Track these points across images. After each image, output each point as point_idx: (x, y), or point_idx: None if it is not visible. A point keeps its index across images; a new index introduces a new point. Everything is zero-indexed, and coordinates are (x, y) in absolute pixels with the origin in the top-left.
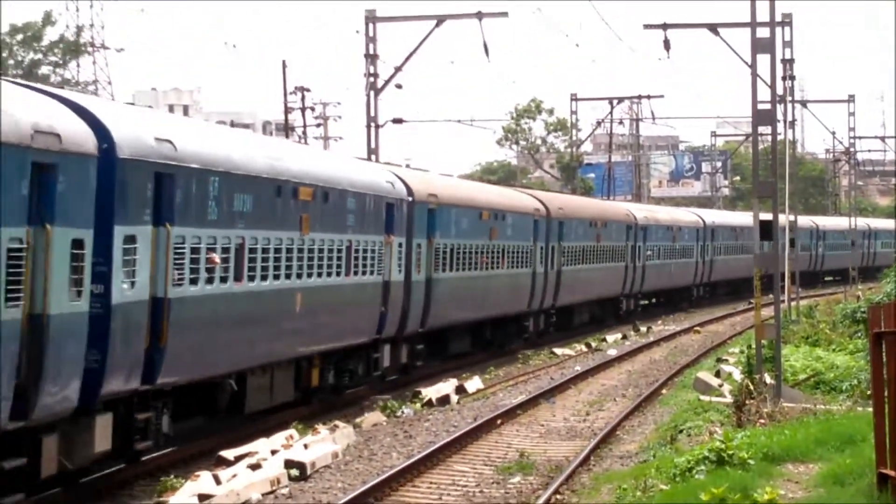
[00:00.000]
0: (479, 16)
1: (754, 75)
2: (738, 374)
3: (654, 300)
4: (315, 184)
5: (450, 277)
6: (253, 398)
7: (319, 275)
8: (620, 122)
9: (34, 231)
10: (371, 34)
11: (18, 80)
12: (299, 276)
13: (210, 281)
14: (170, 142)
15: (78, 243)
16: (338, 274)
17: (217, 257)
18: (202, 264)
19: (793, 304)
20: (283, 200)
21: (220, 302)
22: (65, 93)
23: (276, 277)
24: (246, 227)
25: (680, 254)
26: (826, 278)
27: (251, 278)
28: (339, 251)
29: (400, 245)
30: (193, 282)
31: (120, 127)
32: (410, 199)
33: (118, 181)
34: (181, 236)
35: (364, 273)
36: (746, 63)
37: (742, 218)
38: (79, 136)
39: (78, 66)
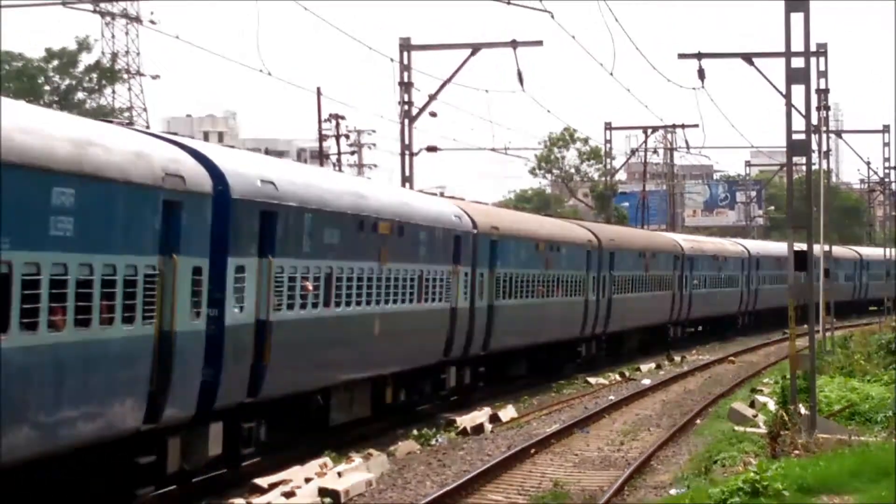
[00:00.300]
0: (514, 44)
1: (789, 105)
2: (772, 405)
3: (699, 328)
4: (392, 219)
5: (509, 304)
6: (336, 412)
7: (395, 301)
8: (655, 151)
9: (164, 259)
10: (405, 62)
11: (148, 130)
12: (378, 302)
13: (304, 306)
14: (272, 183)
15: (197, 271)
16: (411, 301)
17: (310, 285)
18: (298, 291)
19: (828, 334)
20: (365, 234)
21: (313, 325)
22: (185, 140)
23: (359, 303)
24: (334, 259)
25: (725, 283)
26: (871, 308)
27: (338, 304)
28: (413, 280)
29: (465, 274)
30: (290, 307)
31: (231, 170)
32: (475, 231)
33: (231, 218)
34: (281, 266)
35: (434, 300)
36: (781, 93)
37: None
38: (199, 178)
39: (113, 92)
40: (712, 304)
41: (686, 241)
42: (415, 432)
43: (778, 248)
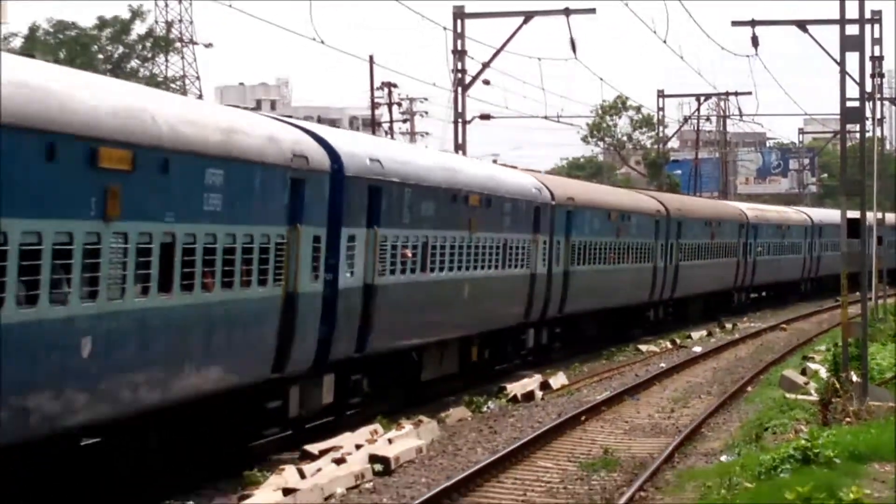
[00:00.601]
0: (567, 12)
1: (843, 73)
2: (824, 373)
3: (763, 294)
4: (481, 192)
5: (583, 270)
6: (427, 369)
7: (482, 267)
8: (707, 119)
9: (290, 229)
10: (459, 30)
11: (276, 116)
12: (467, 268)
13: (403, 272)
14: (379, 161)
15: (317, 239)
16: (496, 267)
17: (409, 252)
18: (398, 258)
19: (880, 302)
20: (457, 206)
21: (411, 289)
22: (306, 124)
23: (451, 269)
24: (430, 228)
25: (788, 250)
26: None
27: (432, 270)
28: (498, 248)
29: (544, 242)
30: (392, 272)
31: (345, 150)
32: (553, 202)
33: (345, 192)
34: (385, 236)
35: (516, 266)
36: (835, 60)
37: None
38: (319, 157)
39: (167, 61)
40: (775, 271)
41: (750, 210)
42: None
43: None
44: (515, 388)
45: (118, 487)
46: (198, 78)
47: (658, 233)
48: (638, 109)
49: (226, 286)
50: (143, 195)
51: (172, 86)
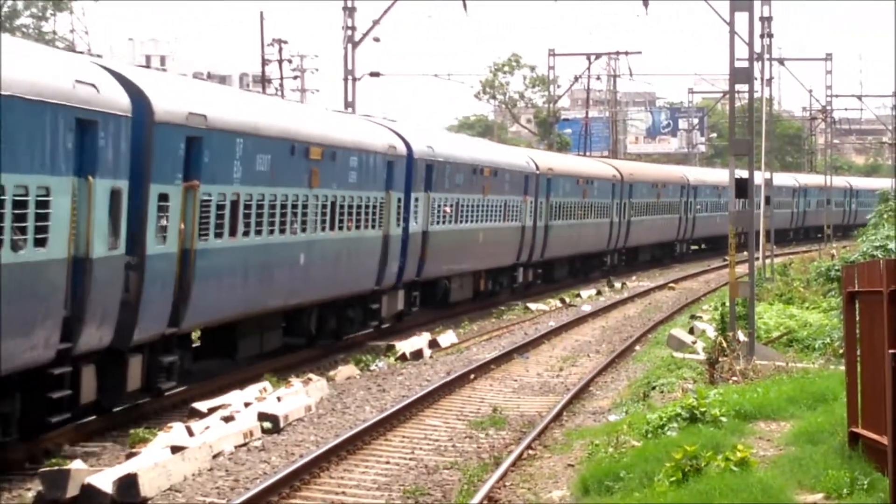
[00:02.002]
0: None
1: (732, 33)
2: (711, 332)
3: (702, 245)
4: (492, 166)
5: (559, 224)
6: (454, 293)
7: (491, 220)
8: (598, 78)
9: (384, 194)
10: None
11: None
12: (481, 220)
13: (445, 223)
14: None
15: (399, 200)
16: (499, 220)
17: (448, 209)
18: (441, 214)
19: (767, 261)
20: (476, 177)
21: (448, 235)
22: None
23: (470, 222)
24: (461, 193)
25: (723, 208)
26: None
27: (459, 222)
28: (501, 206)
29: (531, 202)
30: (439, 223)
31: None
32: (538, 171)
33: (433, 172)
34: (436, 198)
35: (512, 220)
36: (724, 20)
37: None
38: (400, 147)
39: (55, 17)
40: (712, 226)
41: (691, 174)
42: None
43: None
44: (404, 346)
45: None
46: (86, 32)
47: (614, 194)
48: (533, 69)
49: (356, 228)
50: (328, 175)
51: (63, 42)
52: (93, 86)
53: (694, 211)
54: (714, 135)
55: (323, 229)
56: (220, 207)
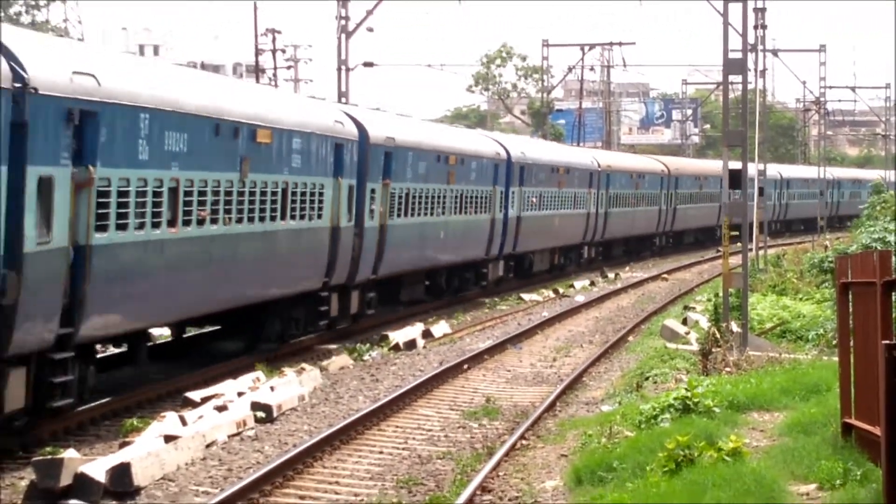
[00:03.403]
0: None
1: (726, 24)
2: (704, 322)
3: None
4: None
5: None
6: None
7: (461, 213)
8: (591, 69)
9: (491, 188)
10: None
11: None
12: (447, 213)
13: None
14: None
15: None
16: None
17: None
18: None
19: (761, 252)
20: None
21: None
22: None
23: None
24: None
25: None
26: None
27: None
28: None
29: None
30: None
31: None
32: (599, 168)
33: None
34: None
35: (578, 208)
36: (718, 11)
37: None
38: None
39: (48, 6)
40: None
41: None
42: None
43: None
44: (398, 336)
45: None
46: (80, 22)
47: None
48: (524, 59)
49: (465, 213)
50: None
51: (56, 31)
52: None
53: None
54: (707, 126)
55: (454, 213)
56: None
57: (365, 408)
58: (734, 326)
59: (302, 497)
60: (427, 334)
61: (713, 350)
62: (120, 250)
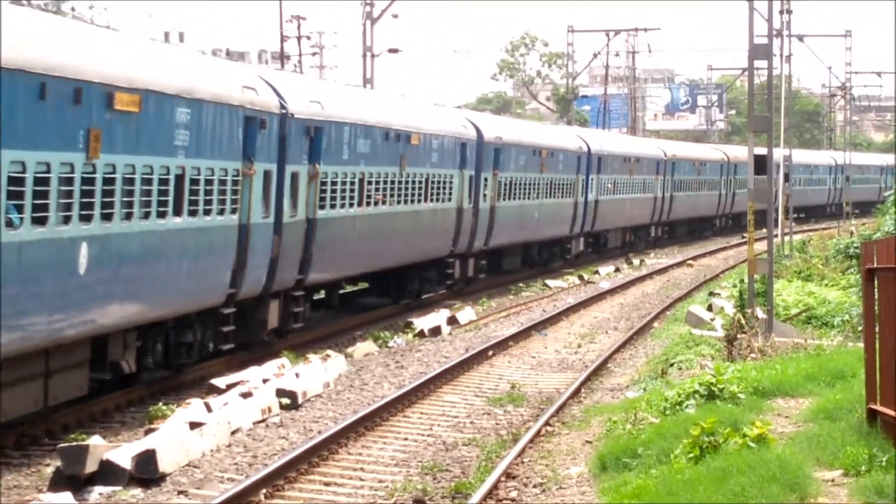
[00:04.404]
0: None
1: (751, 9)
2: (730, 309)
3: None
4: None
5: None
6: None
7: (550, 197)
8: (617, 55)
9: (575, 177)
10: None
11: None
12: (538, 197)
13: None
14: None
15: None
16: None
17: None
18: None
19: (786, 238)
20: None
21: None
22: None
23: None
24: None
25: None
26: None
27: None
28: (640, 184)
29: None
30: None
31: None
32: (665, 157)
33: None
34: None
35: (646, 192)
36: None
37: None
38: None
39: (73, 9)
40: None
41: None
42: (374, 333)
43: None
44: (423, 322)
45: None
46: (105, 9)
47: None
48: (546, 45)
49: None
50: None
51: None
52: None
53: (735, 188)
54: (733, 111)
55: (546, 197)
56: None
57: (390, 394)
58: (759, 312)
59: (327, 484)
60: (452, 321)
61: (738, 336)
62: (332, 223)
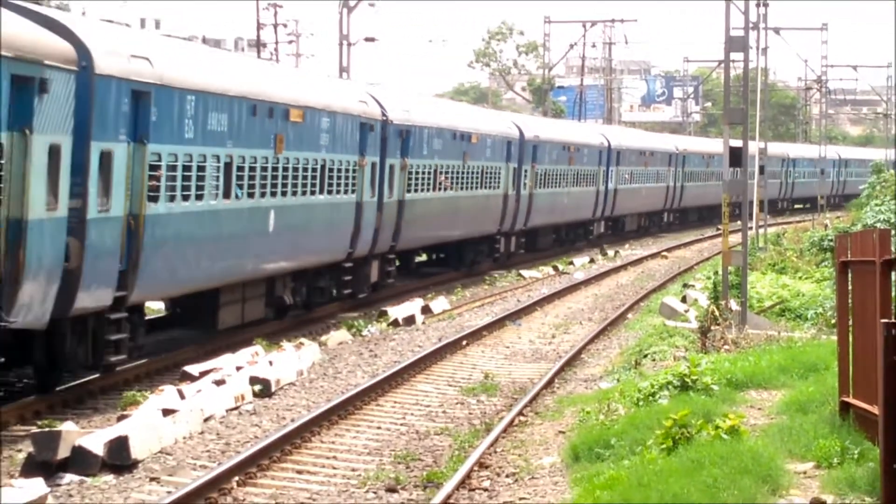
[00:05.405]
0: None
1: (728, 1)
2: (704, 300)
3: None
4: (652, 150)
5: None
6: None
7: (577, 185)
8: (593, 46)
9: (597, 168)
10: None
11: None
12: (645, 182)
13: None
14: None
15: (603, 171)
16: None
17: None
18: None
19: (761, 231)
20: (644, 157)
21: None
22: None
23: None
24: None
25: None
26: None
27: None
28: (654, 174)
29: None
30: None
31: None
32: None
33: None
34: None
35: (660, 182)
36: None
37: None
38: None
39: None
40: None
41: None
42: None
43: (779, 149)
44: (396, 311)
45: None
46: None
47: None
48: (522, 34)
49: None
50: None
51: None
52: None
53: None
54: (709, 104)
55: (572, 186)
56: None
57: (363, 383)
58: (733, 304)
59: (299, 471)
60: (426, 310)
61: (712, 328)
62: (415, 203)
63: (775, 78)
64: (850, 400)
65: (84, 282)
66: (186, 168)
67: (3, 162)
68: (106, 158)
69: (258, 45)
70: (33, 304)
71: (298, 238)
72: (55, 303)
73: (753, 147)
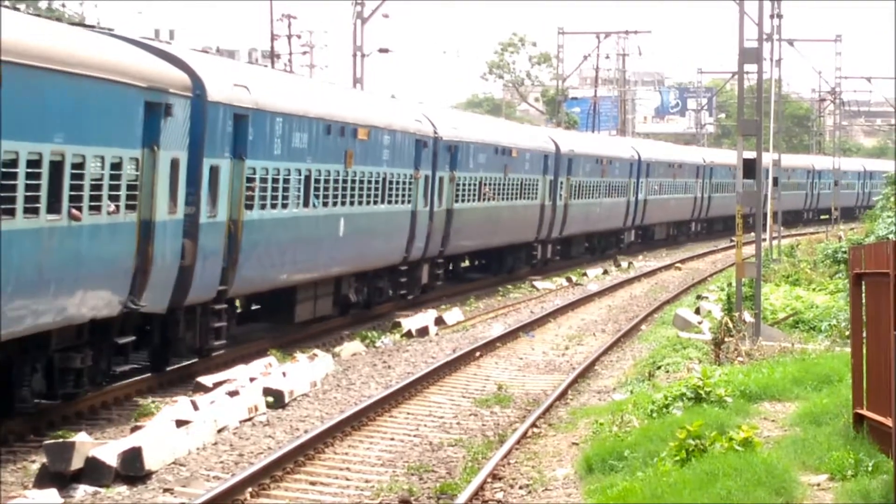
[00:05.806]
0: None
1: (741, 13)
2: (717, 312)
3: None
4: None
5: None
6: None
7: (609, 196)
8: (607, 57)
9: (627, 180)
10: None
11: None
12: (674, 192)
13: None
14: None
15: (634, 184)
16: (618, 196)
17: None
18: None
19: (774, 242)
20: (672, 169)
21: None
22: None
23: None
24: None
25: (794, 187)
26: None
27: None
28: (683, 185)
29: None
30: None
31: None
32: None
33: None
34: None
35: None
36: (734, 0)
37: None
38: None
39: (63, 6)
40: (785, 203)
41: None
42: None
43: (798, 160)
44: (410, 323)
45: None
46: (95, 6)
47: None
48: (535, 45)
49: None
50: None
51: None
52: None
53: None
54: (722, 115)
55: (606, 197)
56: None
57: (377, 394)
58: (747, 316)
59: (313, 483)
60: (440, 321)
61: (726, 340)
62: (462, 212)
63: (789, 89)
64: (864, 412)
65: (196, 276)
66: (275, 180)
67: (138, 173)
68: (214, 172)
69: (272, 55)
70: (156, 292)
71: (363, 242)
72: (172, 293)
73: (767, 159)
